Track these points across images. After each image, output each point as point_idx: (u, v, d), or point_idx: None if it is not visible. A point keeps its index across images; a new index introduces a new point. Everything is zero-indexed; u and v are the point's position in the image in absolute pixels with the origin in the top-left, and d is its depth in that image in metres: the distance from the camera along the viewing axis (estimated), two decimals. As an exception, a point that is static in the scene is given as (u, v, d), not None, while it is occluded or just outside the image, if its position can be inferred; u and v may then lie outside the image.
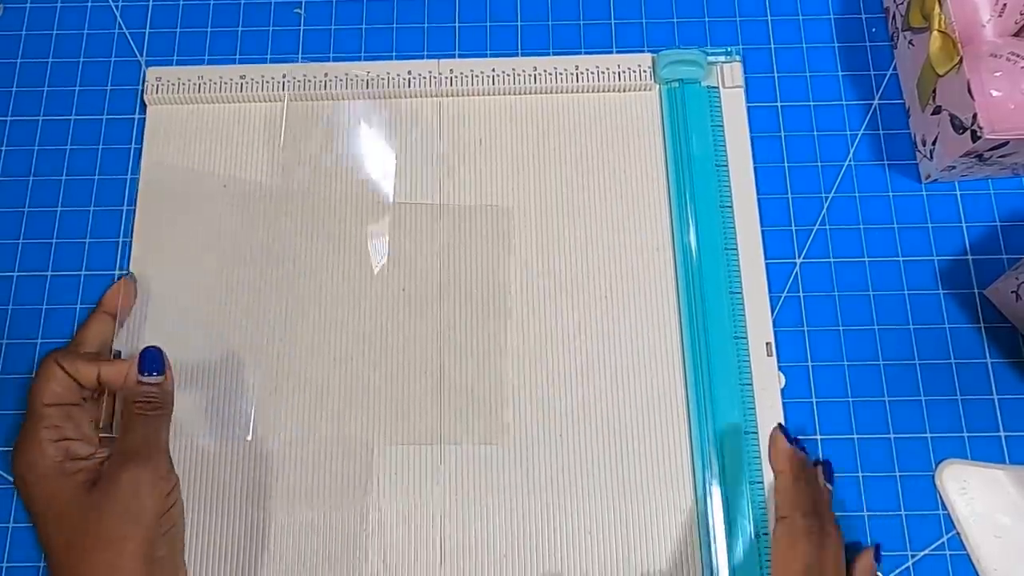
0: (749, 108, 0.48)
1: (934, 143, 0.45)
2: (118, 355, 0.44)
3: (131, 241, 0.46)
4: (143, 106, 0.49)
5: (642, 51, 0.50)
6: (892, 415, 0.43)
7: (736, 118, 0.48)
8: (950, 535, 0.42)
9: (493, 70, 0.48)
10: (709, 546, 0.40)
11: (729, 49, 0.49)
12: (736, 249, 0.45)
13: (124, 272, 0.46)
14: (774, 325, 0.45)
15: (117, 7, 0.52)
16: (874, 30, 0.51)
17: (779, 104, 0.49)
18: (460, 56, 0.50)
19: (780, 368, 0.44)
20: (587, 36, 0.51)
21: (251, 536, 0.42)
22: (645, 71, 0.48)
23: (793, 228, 0.47)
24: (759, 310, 0.45)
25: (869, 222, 0.47)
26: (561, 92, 0.49)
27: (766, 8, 0.51)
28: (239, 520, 0.42)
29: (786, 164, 0.48)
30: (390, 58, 0.50)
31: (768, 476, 0.42)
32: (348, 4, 0.52)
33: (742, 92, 0.48)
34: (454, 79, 0.48)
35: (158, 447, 0.38)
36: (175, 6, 0.52)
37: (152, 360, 0.40)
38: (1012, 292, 0.43)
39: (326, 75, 0.48)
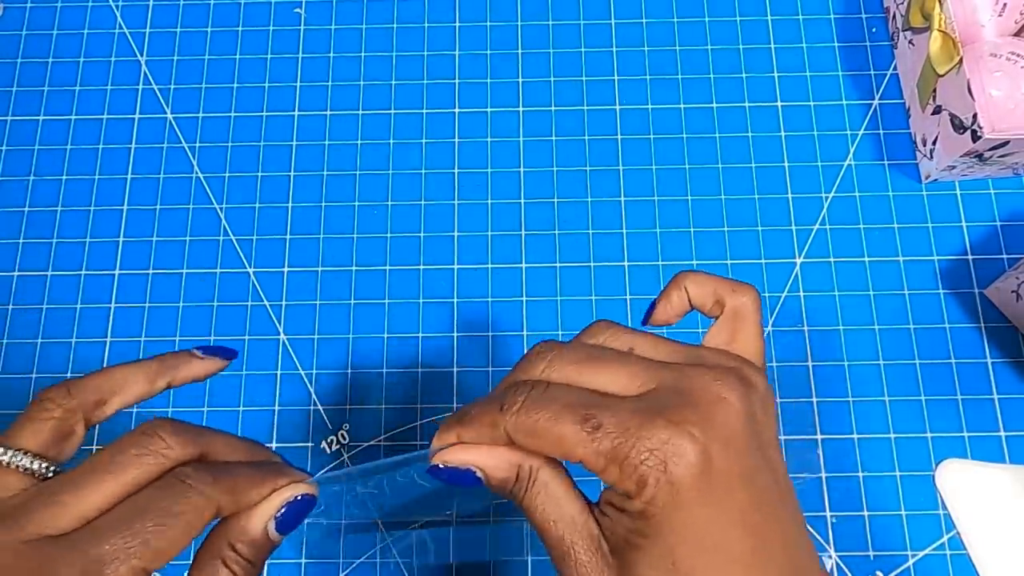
0: (749, 108, 0.48)
1: (934, 143, 0.45)
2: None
3: (131, 241, 0.46)
4: (143, 106, 0.49)
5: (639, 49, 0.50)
6: (892, 415, 0.43)
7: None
8: (950, 535, 0.42)
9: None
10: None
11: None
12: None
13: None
14: (774, 324, 0.45)
15: (117, 7, 0.52)
16: (874, 30, 0.50)
17: (779, 104, 0.49)
18: (460, 55, 0.50)
19: (779, 367, 0.44)
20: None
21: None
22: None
23: (793, 228, 0.47)
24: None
25: (869, 222, 0.47)
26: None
27: (766, 8, 0.51)
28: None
29: (786, 164, 0.48)
30: (390, 59, 0.50)
31: None
32: (348, 4, 0.52)
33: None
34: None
35: None
36: (175, 6, 0.52)
37: (297, 514, 0.26)
38: (1012, 292, 0.43)
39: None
